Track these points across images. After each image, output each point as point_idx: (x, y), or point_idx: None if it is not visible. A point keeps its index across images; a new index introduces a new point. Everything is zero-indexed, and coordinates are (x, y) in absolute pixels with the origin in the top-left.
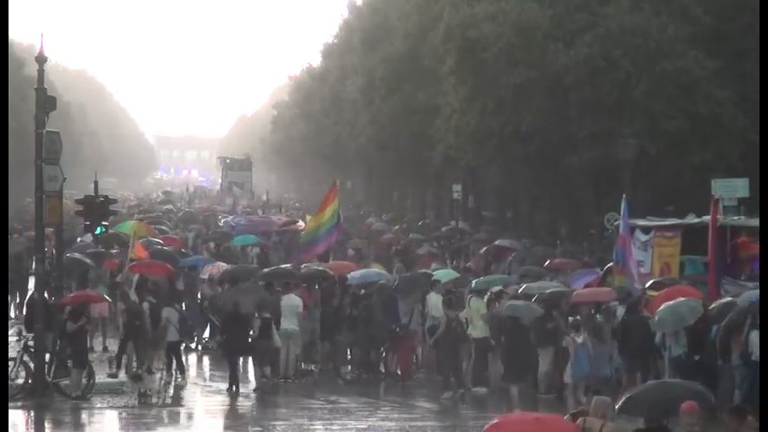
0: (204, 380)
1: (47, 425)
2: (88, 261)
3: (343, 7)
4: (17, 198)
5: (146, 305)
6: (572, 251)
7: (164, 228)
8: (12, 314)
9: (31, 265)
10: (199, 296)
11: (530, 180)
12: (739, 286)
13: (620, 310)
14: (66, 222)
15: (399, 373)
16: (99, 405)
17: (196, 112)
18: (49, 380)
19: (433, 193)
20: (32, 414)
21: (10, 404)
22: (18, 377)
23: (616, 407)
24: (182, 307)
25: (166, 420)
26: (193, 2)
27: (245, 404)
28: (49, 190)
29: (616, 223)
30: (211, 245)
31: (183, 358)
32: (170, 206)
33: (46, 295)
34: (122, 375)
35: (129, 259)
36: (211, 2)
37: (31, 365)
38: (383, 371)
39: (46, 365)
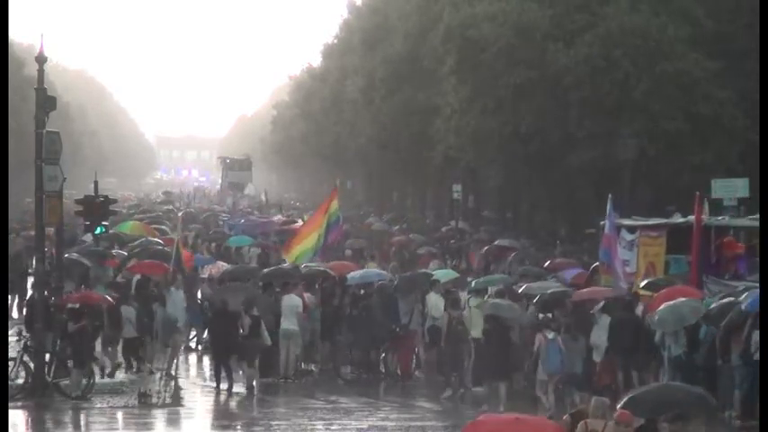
0: (204, 380)
1: (47, 425)
2: (84, 261)
3: (343, 7)
4: (17, 198)
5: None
6: (571, 251)
7: (164, 228)
8: (14, 315)
9: (30, 264)
10: (199, 296)
11: (530, 180)
12: (723, 285)
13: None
14: (67, 222)
15: (399, 373)
16: (99, 405)
17: (196, 112)
18: (49, 380)
19: (433, 193)
20: (32, 414)
21: (10, 404)
22: (18, 377)
23: (617, 406)
24: (164, 306)
25: (166, 420)
26: (193, 2)
27: (245, 404)
28: (49, 190)
29: (602, 223)
30: (212, 245)
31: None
32: (170, 206)
33: (46, 295)
34: (122, 375)
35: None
36: (211, 2)
37: (31, 365)
38: (383, 371)
39: (46, 365)
